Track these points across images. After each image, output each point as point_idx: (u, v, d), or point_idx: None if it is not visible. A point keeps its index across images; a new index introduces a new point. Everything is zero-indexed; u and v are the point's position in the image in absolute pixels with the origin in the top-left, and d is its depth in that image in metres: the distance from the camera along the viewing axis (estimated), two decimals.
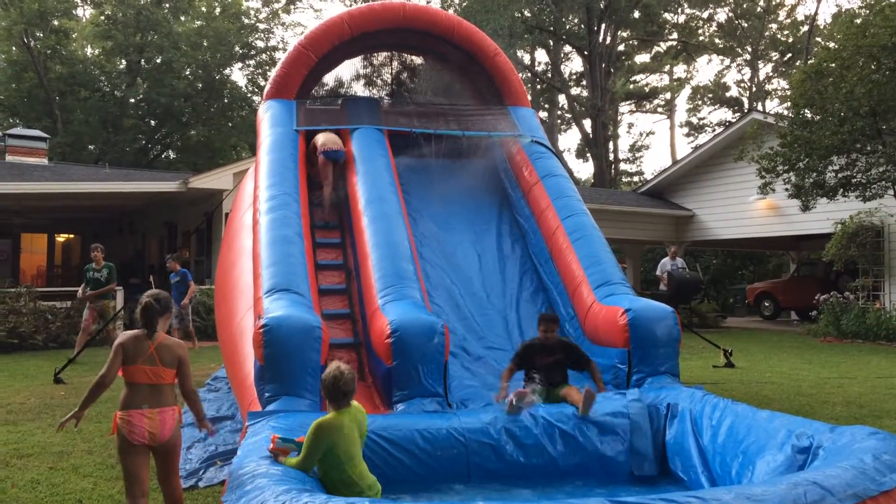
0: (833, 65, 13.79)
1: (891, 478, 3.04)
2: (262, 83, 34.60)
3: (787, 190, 14.97)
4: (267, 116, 8.11)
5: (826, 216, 16.00)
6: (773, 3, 35.97)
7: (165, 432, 3.74)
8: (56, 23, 32.01)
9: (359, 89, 9.62)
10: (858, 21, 13.96)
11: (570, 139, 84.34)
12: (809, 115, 14.41)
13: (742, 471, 4.03)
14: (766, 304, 21.93)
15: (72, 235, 25.45)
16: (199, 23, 35.47)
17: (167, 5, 33.86)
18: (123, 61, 34.29)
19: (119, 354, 3.73)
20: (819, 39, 31.21)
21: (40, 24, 30.76)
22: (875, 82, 12.78)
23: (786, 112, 15.86)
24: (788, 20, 37.23)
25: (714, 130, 38.01)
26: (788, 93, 15.47)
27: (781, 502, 2.71)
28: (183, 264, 13.09)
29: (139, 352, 3.75)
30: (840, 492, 2.84)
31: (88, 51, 36.38)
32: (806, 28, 33.78)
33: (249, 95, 36.05)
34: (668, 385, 5.43)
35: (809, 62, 16.49)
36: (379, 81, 9.91)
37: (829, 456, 3.49)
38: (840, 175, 14.25)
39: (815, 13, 33.49)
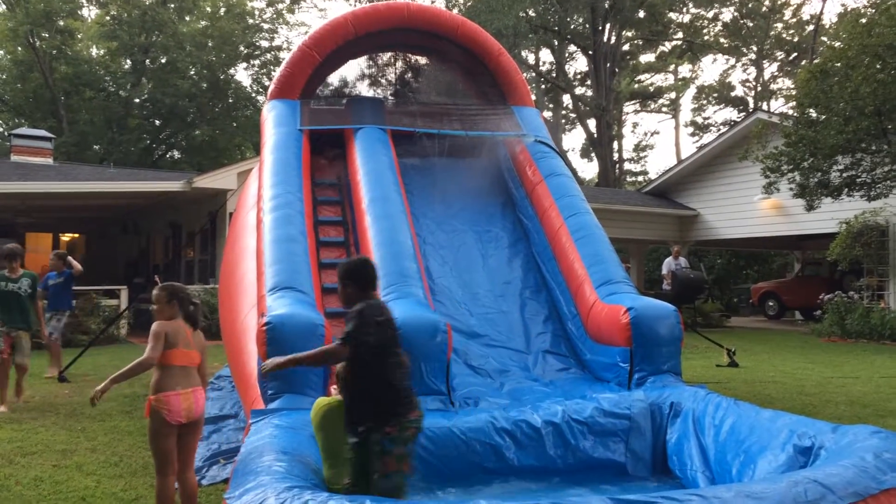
0: (838, 64, 13.77)
1: (892, 476, 3.03)
2: (267, 83, 34.64)
3: (791, 189, 14.95)
4: (271, 116, 8.13)
5: (831, 216, 15.97)
6: (779, 2, 35.89)
7: (199, 408, 4.01)
8: (61, 23, 32.11)
9: (363, 89, 9.63)
10: (864, 20, 13.93)
11: (574, 139, 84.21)
12: (814, 115, 14.39)
13: (743, 470, 4.04)
14: (771, 304, 21.90)
15: (76, 235, 25.52)
16: (203, 23, 35.54)
17: (172, 5, 33.93)
18: (128, 61, 34.39)
19: (162, 339, 3.96)
20: (825, 39, 31.13)
21: (46, 24, 30.86)
22: (880, 82, 12.76)
23: (791, 111, 15.81)
24: (794, 20, 37.15)
25: (719, 130, 37.95)
26: (793, 92, 15.44)
27: (782, 500, 2.71)
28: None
29: (179, 337, 4.03)
30: (840, 490, 2.84)
31: (94, 51, 36.46)
32: (811, 27, 33.70)
33: (254, 95, 36.10)
34: (671, 384, 5.43)
35: (815, 62, 16.46)
36: (383, 81, 9.92)
37: (831, 455, 3.49)
38: (845, 175, 14.23)
39: (821, 12, 33.43)
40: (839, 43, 14.58)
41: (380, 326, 3.49)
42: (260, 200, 7.02)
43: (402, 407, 3.43)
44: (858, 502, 2.85)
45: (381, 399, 3.42)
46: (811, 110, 14.38)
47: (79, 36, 34.69)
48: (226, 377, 8.30)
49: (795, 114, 15.03)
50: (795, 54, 36.83)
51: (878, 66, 13.13)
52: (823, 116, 14.09)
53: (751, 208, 18.56)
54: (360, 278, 3.75)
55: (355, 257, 4.03)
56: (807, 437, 3.79)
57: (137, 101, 34.20)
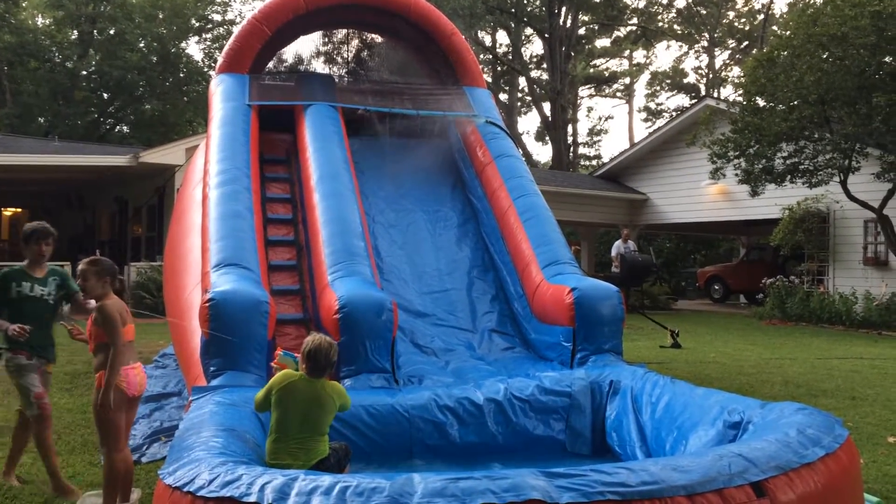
0: (785, 53, 14.05)
1: (813, 451, 3.14)
2: (219, 57, 33.92)
3: (737, 175, 15.26)
4: (219, 90, 8.00)
5: (774, 202, 16.37)
6: None
7: (144, 381, 4.13)
8: None
9: (315, 65, 9.52)
10: (810, 10, 14.22)
11: (529, 122, 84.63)
12: (761, 103, 14.68)
13: (676, 445, 4.15)
14: (716, 288, 22.40)
15: (19, 210, 24.84)
16: None
17: None
18: (75, 32, 33.33)
19: (119, 319, 3.95)
20: (775, 28, 31.72)
21: None
22: (824, 71, 13.05)
23: (739, 99, 16.11)
24: (745, 8, 37.83)
25: (671, 116, 38.49)
26: (742, 80, 15.73)
27: (706, 473, 2.79)
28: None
29: (124, 313, 4.04)
30: (763, 463, 2.93)
31: (39, 20, 35.27)
32: (762, 16, 34.31)
33: (206, 70, 35.32)
34: (612, 363, 5.54)
35: (763, 50, 16.76)
36: (335, 58, 9.82)
37: (758, 430, 3.61)
38: (788, 161, 14.58)
39: (771, 2, 33.97)
40: (788, 32, 14.86)
41: None
42: (206, 176, 6.92)
43: None
44: (780, 475, 2.94)
45: None
46: (758, 98, 14.67)
47: (23, 4, 33.49)
48: (170, 355, 8.20)
49: (743, 101, 15.31)
50: (746, 43, 37.50)
51: (822, 56, 13.43)
52: (769, 104, 14.40)
53: (698, 193, 18.92)
54: None
55: None
56: (736, 412, 3.91)
57: (84, 73, 33.22)
